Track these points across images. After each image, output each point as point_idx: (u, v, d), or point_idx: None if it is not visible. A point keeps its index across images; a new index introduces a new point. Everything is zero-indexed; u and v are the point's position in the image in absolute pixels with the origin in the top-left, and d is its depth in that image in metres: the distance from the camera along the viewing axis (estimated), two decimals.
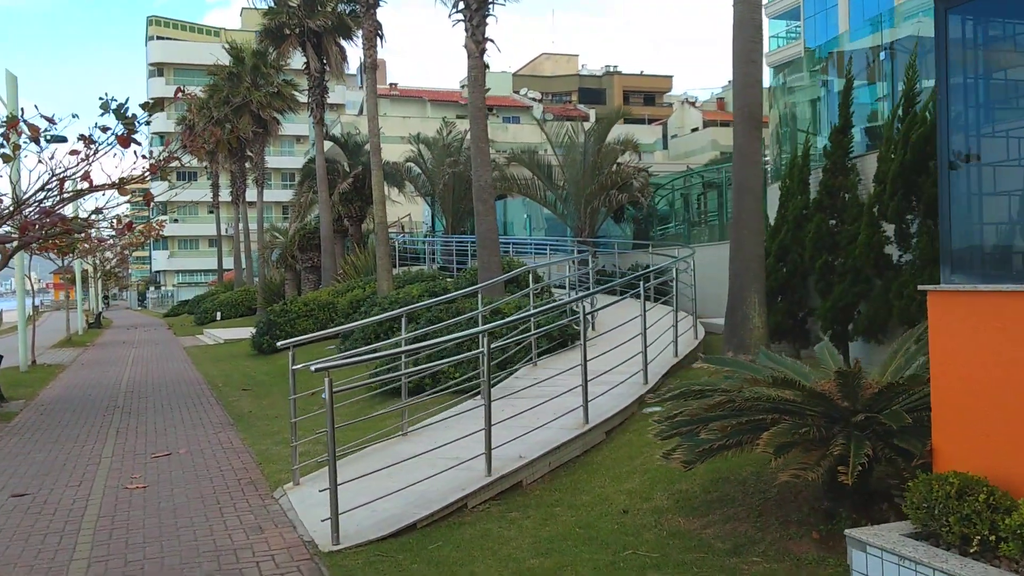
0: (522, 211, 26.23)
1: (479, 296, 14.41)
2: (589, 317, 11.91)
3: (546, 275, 17.24)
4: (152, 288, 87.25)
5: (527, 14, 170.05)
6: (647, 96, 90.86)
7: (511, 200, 27.92)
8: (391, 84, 68.83)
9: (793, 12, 57.74)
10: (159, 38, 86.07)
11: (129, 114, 10.93)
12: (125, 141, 11.23)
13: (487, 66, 14.90)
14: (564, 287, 16.30)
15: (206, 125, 12.49)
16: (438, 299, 12.03)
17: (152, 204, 15.09)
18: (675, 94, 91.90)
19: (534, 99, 70.98)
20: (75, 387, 16.85)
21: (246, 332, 28.78)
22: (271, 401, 13.83)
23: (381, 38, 19.69)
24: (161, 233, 40.73)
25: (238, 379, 17.19)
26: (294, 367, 7.67)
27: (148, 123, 11.78)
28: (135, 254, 68.66)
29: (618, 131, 20.68)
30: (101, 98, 10.84)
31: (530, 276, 12.61)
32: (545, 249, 21.13)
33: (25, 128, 10.71)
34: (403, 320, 9.05)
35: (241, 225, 44.61)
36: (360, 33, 25.85)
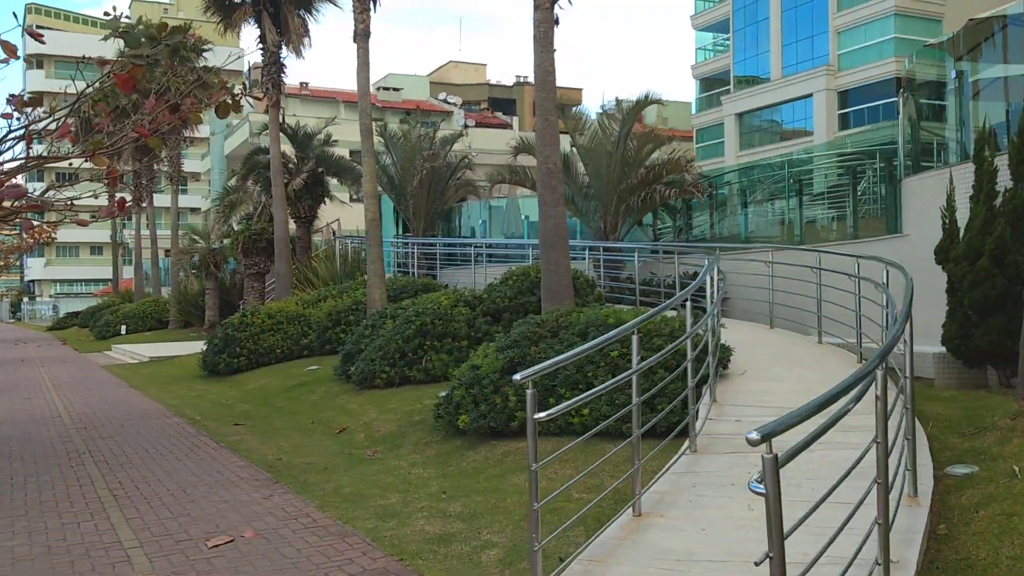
0: (514, 211, 23.35)
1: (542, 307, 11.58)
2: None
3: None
4: (26, 299, 79.49)
5: (434, 22, 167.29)
6: (559, 106, 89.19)
7: (486, 202, 25.02)
8: (300, 83, 64.72)
9: (721, 24, 57.02)
10: (39, 27, 78.99)
11: None
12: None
13: (556, 21, 12.05)
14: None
15: (108, 118, 9.00)
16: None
17: (118, 183, 11.52)
18: (583, 108, 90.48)
19: (454, 104, 68.06)
20: (34, 422, 12.95)
21: (179, 348, 24.86)
22: (291, 442, 10.52)
23: (375, 1, 16.50)
24: (53, 236, 35.73)
25: (211, 409, 13.67)
26: (537, 415, 4.62)
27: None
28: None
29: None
30: None
31: (712, 277, 9.47)
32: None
33: None
34: (634, 339, 6.03)
35: (145, 231, 39.91)
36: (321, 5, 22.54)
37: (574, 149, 17.84)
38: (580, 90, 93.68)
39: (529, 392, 4.59)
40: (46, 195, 10.08)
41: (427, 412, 10.76)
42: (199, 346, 25.15)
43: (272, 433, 11.27)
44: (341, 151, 26.99)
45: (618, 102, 17.05)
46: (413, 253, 21.68)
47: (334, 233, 32.97)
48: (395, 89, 65.33)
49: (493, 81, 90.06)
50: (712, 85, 58.32)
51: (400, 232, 29.58)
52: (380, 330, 13.86)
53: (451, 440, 9.30)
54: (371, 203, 17.14)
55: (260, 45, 21.75)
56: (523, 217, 22.53)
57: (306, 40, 22.11)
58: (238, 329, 18.09)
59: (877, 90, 44.98)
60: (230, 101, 9.04)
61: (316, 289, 22.03)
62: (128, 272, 68.35)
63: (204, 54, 29.16)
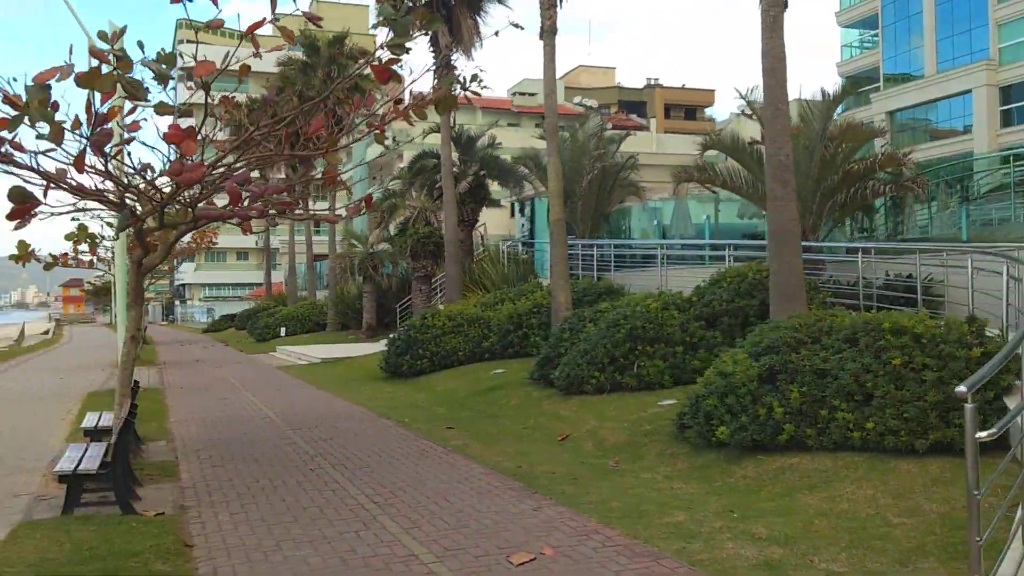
0: (682, 213, 22.57)
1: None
2: None
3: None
4: (176, 302, 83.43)
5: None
6: (688, 110, 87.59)
7: (648, 203, 24.34)
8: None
9: (868, 21, 54.47)
10: (188, 42, 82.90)
11: None
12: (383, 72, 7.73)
13: (786, 3, 11.32)
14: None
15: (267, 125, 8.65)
16: None
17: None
18: (710, 110, 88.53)
19: (590, 107, 67.54)
20: (210, 422, 13.14)
21: (347, 350, 25.23)
22: (515, 449, 10.18)
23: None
24: (214, 241, 36.92)
25: (411, 412, 13.53)
26: (979, 434, 3.98)
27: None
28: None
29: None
30: None
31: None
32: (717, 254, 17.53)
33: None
34: None
35: (299, 236, 40.94)
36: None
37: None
38: (712, 91, 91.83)
39: (969, 407, 3.93)
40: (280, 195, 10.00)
41: (656, 421, 10.25)
42: (367, 348, 25.56)
43: (489, 438, 10.96)
44: (503, 155, 26.79)
45: (823, 94, 16.05)
46: (592, 255, 21.08)
47: (482, 237, 32.94)
48: (530, 94, 65.47)
49: (622, 84, 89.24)
50: (859, 83, 55.82)
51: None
52: (580, 334, 13.43)
53: (703, 453, 8.72)
54: (556, 203, 16.76)
55: (431, 49, 21.74)
56: (704, 217, 21.70)
57: (476, 42, 22.01)
58: (420, 331, 18.03)
59: None
60: (450, 96, 8.86)
61: (484, 292, 21.87)
62: (275, 276, 70.97)
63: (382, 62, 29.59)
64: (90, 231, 22.83)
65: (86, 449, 8.12)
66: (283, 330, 35.80)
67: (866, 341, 8.33)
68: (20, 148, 7.44)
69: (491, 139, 25.83)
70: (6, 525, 7.06)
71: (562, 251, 16.59)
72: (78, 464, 7.36)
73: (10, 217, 7.29)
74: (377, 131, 8.77)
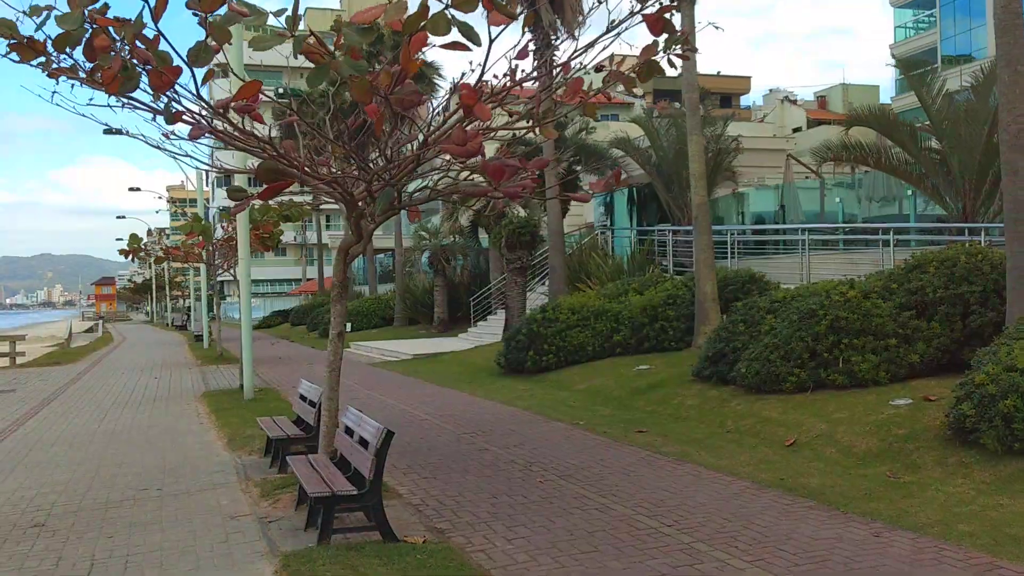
0: (793, 197, 21.42)
1: None
2: None
3: None
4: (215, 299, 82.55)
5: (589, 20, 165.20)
6: (723, 97, 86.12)
7: (753, 188, 23.18)
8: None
9: (923, 1, 52.80)
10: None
11: None
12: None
13: None
14: None
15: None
16: None
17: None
18: (746, 98, 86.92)
19: (635, 96, 66.27)
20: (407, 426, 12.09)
21: (435, 345, 24.24)
22: (747, 457, 9.07)
23: None
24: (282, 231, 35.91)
25: (565, 411, 12.48)
26: None
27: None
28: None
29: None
30: None
31: None
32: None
33: None
34: None
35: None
36: None
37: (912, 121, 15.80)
38: (748, 79, 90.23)
39: None
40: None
41: (904, 423, 9.13)
42: (453, 343, 24.59)
43: (697, 443, 9.88)
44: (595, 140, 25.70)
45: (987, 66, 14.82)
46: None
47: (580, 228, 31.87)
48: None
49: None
50: (914, 66, 54.16)
51: (633, 224, 28.20)
52: (759, 326, 12.30)
53: (1004, 461, 7.57)
54: (700, 185, 15.63)
55: (529, 28, 20.61)
56: (837, 200, 20.49)
57: (580, 19, 20.84)
58: (543, 325, 16.96)
59: None
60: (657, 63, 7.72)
61: (592, 283, 20.77)
62: (311, 272, 70.05)
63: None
64: (203, 222, 21.93)
65: (314, 464, 7.09)
66: (349, 325, 34.86)
67: None
68: (260, 119, 6.42)
69: (584, 123, 24.72)
70: (258, 557, 6.06)
71: (707, 238, 15.47)
72: (330, 485, 6.32)
73: (263, 196, 6.27)
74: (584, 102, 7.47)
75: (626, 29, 7.31)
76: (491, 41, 6.12)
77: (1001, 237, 14.89)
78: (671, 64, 9.85)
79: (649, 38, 6.82)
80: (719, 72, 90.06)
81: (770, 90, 79.38)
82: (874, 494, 7.35)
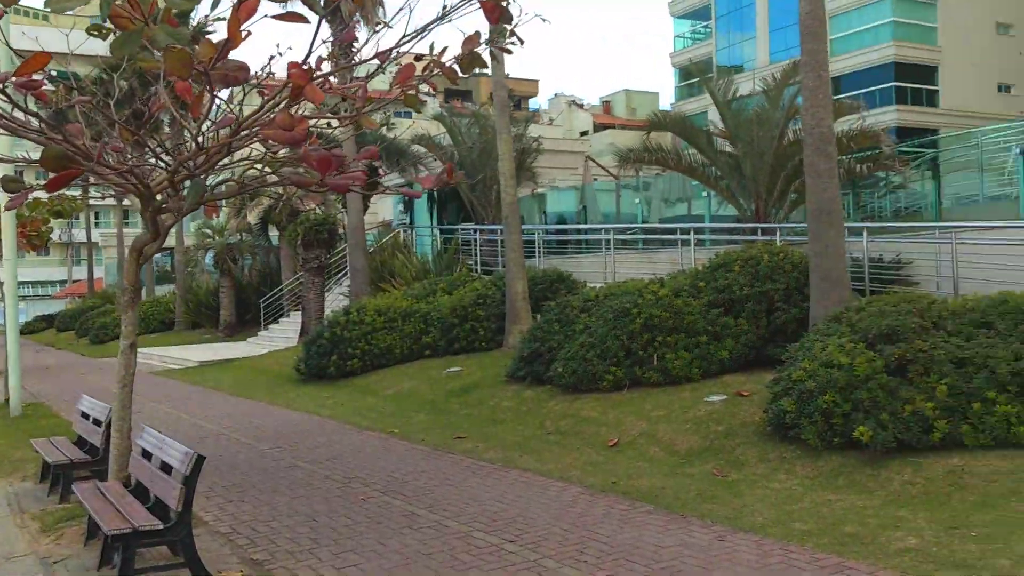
0: (592, 198, 21.74)
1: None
2: None
3: None
4: None
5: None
6: (513, 100, 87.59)
7: (549, 189, 23.41)
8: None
9: (701, 12, 55.98)
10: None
11: None
12: None
13: None
14: None
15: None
16: None
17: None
18: (534, 101, 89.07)
19: (428, 94, 65.95)
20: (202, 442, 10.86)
21: (222, 351, 22.67)
22: (573, 460, 8.86)
23: None
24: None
25: (376, 418, 11.88)
26: None
27: None
28: None
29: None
30: None
31: None
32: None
33: None
34: None
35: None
36: None
37: (713, 122, 16.36)
38: (536, 82, 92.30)
39: None
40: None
41: (722, 419, 9.24)
42: (242, 348, 23.18)
43: (519, 447, 9.55)
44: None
45: (794, 64, 15.40)
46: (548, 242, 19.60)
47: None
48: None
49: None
50: (693, 73, 57.25)
51: (435, 223, 27.83)
52: (573, 326, 12.21)
53: (824, 456, 7.74)
54: (510, 184, 15.42)
55: (327, 17, 19.64)
56: (636, 201, 20.94)
57: (379, 10, 20.12)
58: (346, 327, 16.15)
59: (872, 76, 44.45)
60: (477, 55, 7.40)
61: (397, 283, 20.13)
62: (78, 272, 64.42)
63: None
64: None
65: (105, 493, 6.08)
66: None
67: (1005, 325, 7.66)
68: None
69: (385, 119, 23.94)
70: None
71: (518, 237, 15.29)
72: (130, 519, 5.39)
73: (49, 187, 5.25)
74: (410, 92, 6.98)
75: (449, 22, 6.84)
76: (320, 20, 5.46)
77: (793, 236, 15.73)
78: (493, 57, 9.41)
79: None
80: (507, 75, 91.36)
81: (556, 94, 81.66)
82: (706, 494, 7.28)
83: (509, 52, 9.30)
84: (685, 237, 15.54)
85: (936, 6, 43.64)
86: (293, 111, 5.51)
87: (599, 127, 70.16)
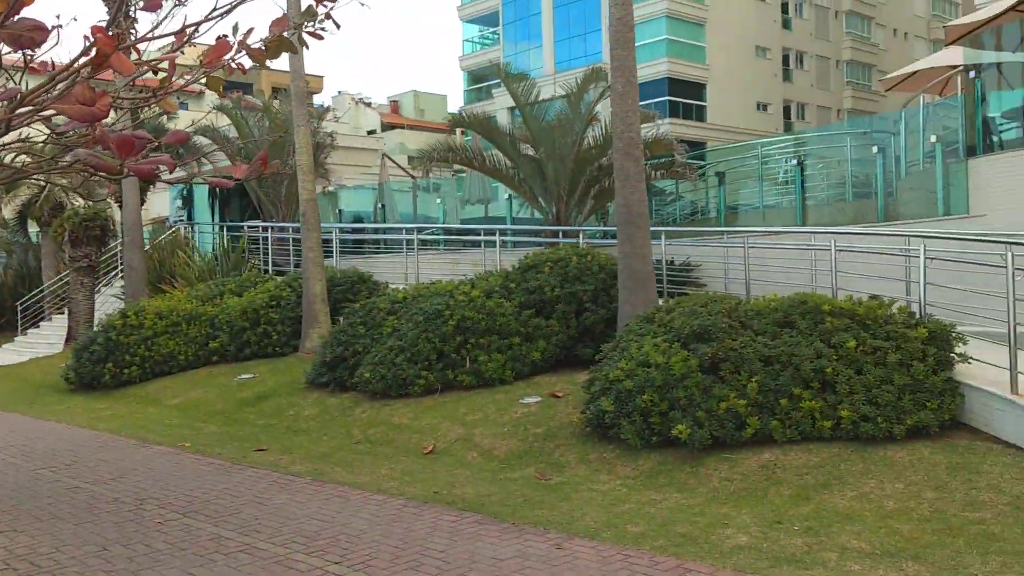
0: (389, 197, 21.23)
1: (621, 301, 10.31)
2: None
3: None
4: None
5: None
6: (277, 97, 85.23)
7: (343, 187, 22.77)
8: None
9: (490, 17, 56.81)
10: None
11: None
12: None
13: None
14: None
15: None
16: None
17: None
18: (319, 97, 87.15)
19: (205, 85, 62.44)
20: None
21: None
22: (389, 470, 8.47)
23: None
24: None
25: (164, 431, 10.90)
26: None
27: None
28: None
29: None
30: None
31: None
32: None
33: None
34: None
35: None
36: None
37: (517, 125, 16.40)
38: (321, 78, 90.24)
39: None
40: None
41: (540, 422, 9.19)
42: (1, 356, 20.67)
43: (328, 458, 9.01)
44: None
45: (594, 69, 15.65)
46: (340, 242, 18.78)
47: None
48: None
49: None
50: (482, 77, 57.91)
51: (216, 219, 26.37)
52: (380, 329, 11.77)
53: (643, 455, 7.81)
54: (308, 179, 14.70)
55: None
56: (437, 201, 20.57)
57: None
58: (123, 332, 14.78)
59: (650, 89, 46.79)
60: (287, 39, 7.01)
61: (178, 284, 18.72)
62: None
63: None
64: None
65: None
66: None
67: (805, 325, 8.05)
68: None
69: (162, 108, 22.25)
70: None
71: (317, 236, 14.62)
72: None
73: None
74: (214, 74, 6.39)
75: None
76: None
77: (595, 240, 16.05)
78: (303, 42, 8.84)
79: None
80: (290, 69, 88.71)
81: (339, 92, 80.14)
82: (533, 500, 7.11)
83: (321, 38, 8.74)
84: (490, 239, 15.46)
85: (704, 27, 46.58)
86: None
87: (387, 127, 69.51)
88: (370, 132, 67.89)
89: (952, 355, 7.66)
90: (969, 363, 7.58)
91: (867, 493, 6.42)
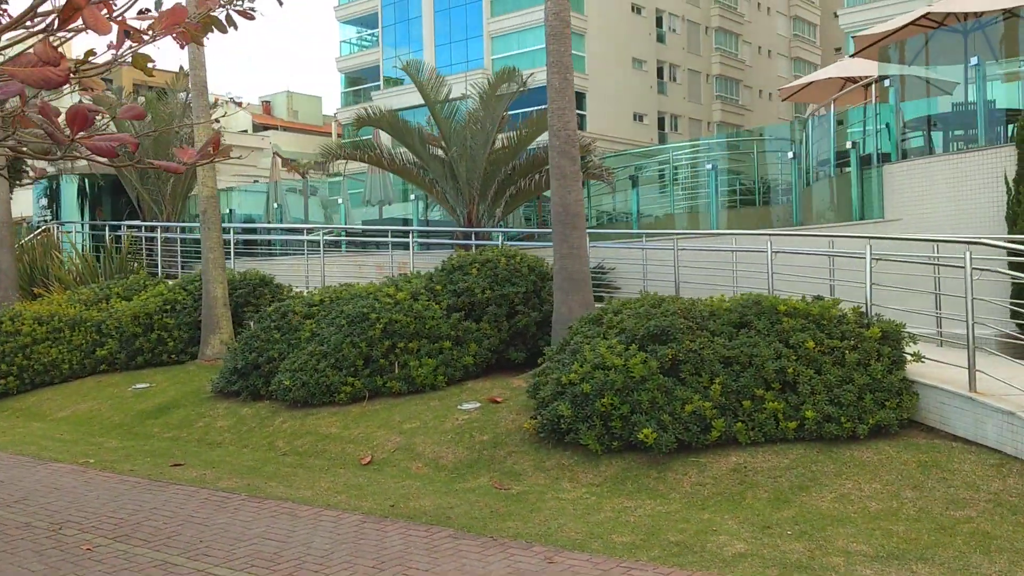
0: (282, 196, 20.30)
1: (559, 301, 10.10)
2: None
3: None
4: None
5: None
6: (159, 92, 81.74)
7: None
8: None
9: (369, 19, 55.93)
10: None
11: None
12: None
13: None
14: None
15: None
16: None
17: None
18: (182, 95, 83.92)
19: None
20: None
21: None
22: (330, 484, 7.92)
23: None
24: None
25: (58, 447, 9.95)
26: None
27: None
28: None
29: None
30: None
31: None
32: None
33: None
34: None
35: None
36: None
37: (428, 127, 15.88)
38: (188, 75, 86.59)
39: None
40: None
41: (486, 428, 8.80)
42: None
43: (257, 473, 8.36)
44: None
45: (508, 70, 15.26)
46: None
47: None
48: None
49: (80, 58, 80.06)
50: (360, 80, 56.86)
51: (85, 219, 24.72)
52: (297, 333, 11.11)
53: (604, 461, 7.55)
54: (209, 176, 13.79)
55: None
56: (340, 202, 19.72)
57: None
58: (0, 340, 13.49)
59: (536, 95, 47.00)
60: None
61: (54, 288, 17.27)
62: None
63: None
64: None
65: None
66: None
67: (760, 323, 7.98)
68: None
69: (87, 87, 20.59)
70: None
71: (218, 236, 13.73)
72: None
73: None
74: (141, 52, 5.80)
75: None
76: None
77: (513, 241, 15.74)
78: (230, 22, 8.17)
79: None
80: (153, 65, 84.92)
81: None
82: (501, 512, 6.72)
83: (252, 18, 8.11)
84: (401, 240, 14.94)
85: (585, 38, 47.16)
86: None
87: (259, 127, 67.34)
88: (242, 131, 65.59)
89: (905, 354, 7.74)
90: (923, 362, 7.68)
91: (846, 494, 6.35)
